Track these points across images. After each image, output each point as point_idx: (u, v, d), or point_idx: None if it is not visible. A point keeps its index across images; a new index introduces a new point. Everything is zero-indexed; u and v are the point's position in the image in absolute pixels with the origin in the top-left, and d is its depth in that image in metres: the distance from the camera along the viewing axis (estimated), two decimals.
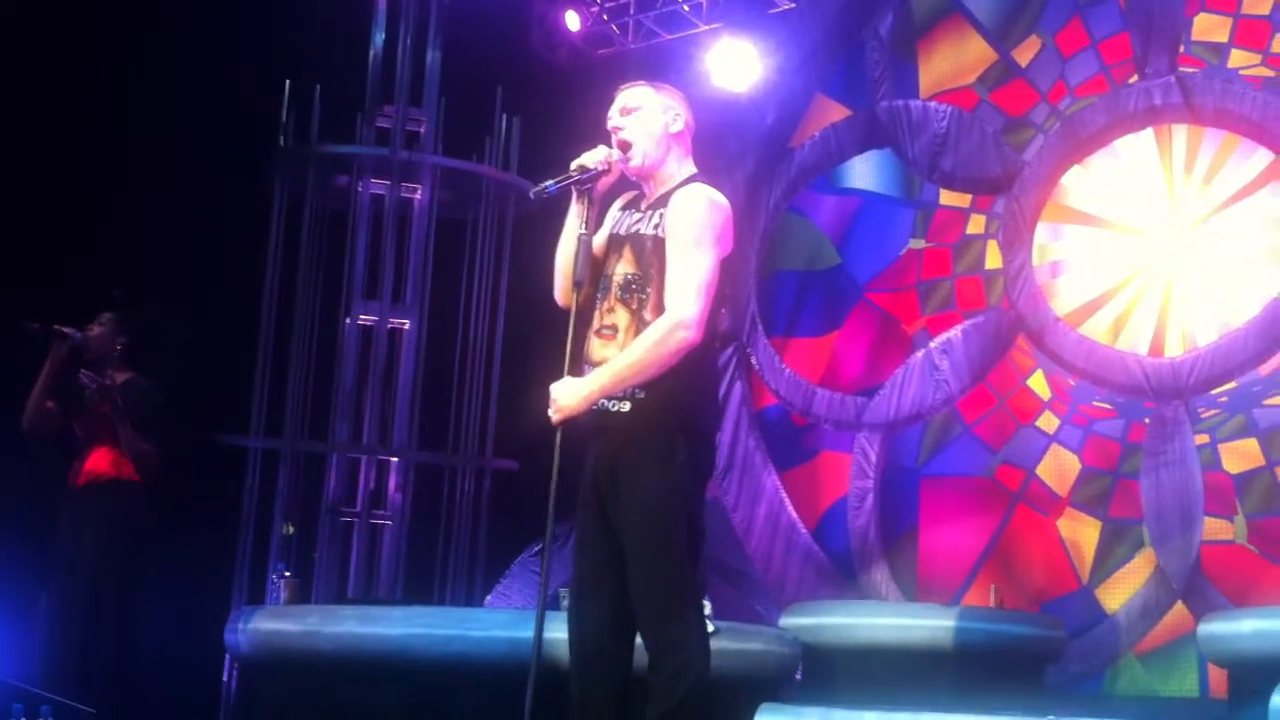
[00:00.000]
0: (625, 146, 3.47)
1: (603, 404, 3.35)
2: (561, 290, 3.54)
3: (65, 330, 5.04)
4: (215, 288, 6.63)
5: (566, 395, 3.35)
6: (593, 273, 3.46)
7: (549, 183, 3.43)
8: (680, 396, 3.36)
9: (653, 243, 3.39)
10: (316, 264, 6.74)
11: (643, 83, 3.54)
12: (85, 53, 6.59)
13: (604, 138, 3.55)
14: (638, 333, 3.36)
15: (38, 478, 5.28)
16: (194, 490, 6.22)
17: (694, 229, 3.36)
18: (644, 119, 3.47)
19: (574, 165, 3.46)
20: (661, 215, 3.41)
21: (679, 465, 3.33)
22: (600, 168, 3.45)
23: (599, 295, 3.46)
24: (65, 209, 6.37)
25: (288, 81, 6.73)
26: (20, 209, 6.25)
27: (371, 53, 6.97)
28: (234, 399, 6.60)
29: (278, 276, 6.68)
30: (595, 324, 3.45)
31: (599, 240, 3.54)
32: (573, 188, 3.45)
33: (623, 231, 3.49)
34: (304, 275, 6.69)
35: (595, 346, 3.43)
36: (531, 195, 3.49)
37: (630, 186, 3.57)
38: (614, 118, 3.49)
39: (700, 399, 3.45)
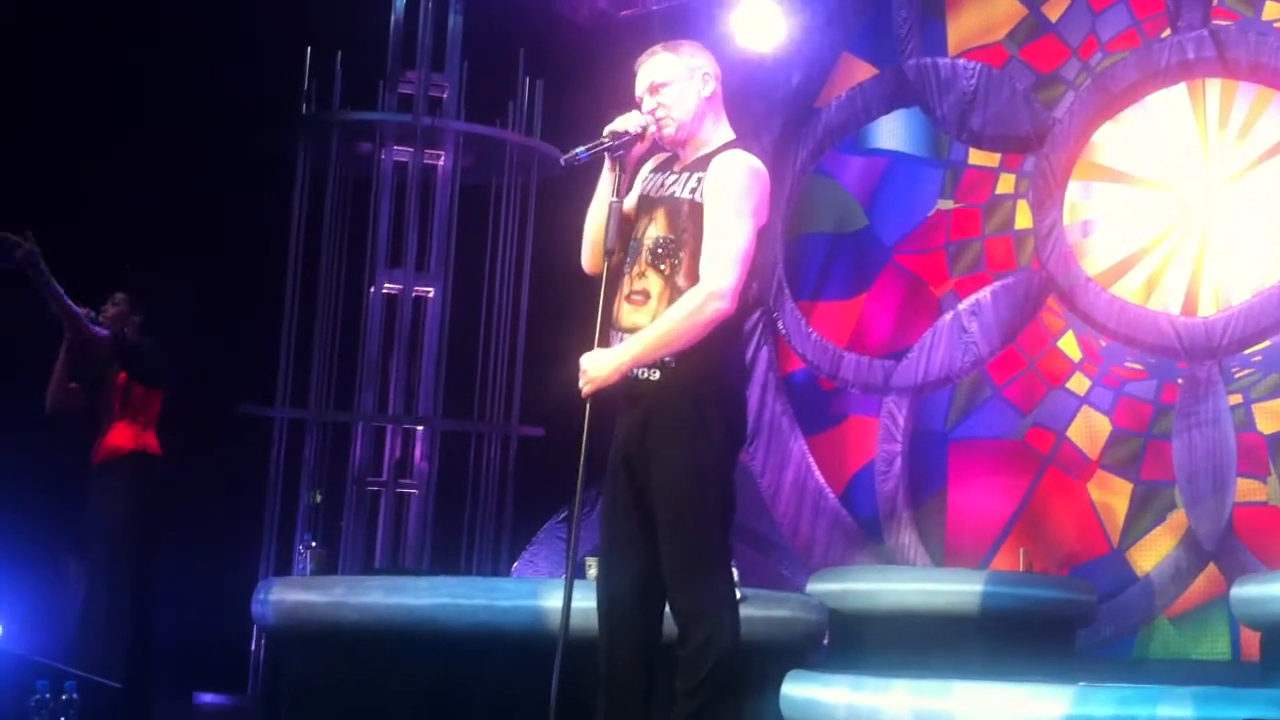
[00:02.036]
0: (661, 124, 3.39)
1: (633, 373, 3.30)
2: (590, 257, 3.48)
3: (80, 310, 5.06)
4: (238, 257, 6.63)
5: (597, 367, 3.30)
6: (623, 238, 3.40)
7: (580, 149, 3.37)
8: (711, 363, 3.32)
9: (689, 207, 3.33)
10: (340, 232, 6.73)
11: (660, 49, 3.45)
12: (103, 21, 6.57)
13: (629, 101, 3.47)
14: (670, 299, 3.30)
15: (64, 456, 5.31)
16: (220, 461, 6.25)
17: (734, 197, 3.30)
18: (675, 93, 3.38)
19: (607, 131, 3.38)
20: (699, 180, 3.34)
21: (712, 433, 3.30)
22: (634, 133, 3.38)
23: (629, 259, 3.41)
24: (83, 178, 6.37)
25: (309, 48, 6.70)
26: (42, 181, 6.26)
27: (393, 18, 6.93)
28: (259, 369, 6.61)
29: (301, 245, 6.67)
30: (625, 289, 3.40)
31: (629, 202, 3.47)
32: (605, 154, 3.39)
33: (654, 193, 3.42)
34: (328, 244, 6.68)
35: (625, 312, 3.38)
36: (563, 162, 3.43)
37: (663, 148, 3.50)
38: (646, 98, 3.41)
39: (730, 365, 3.41)
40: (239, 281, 6.63)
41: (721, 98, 3.45)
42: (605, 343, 3.35)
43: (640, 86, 3.42)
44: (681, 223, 3.32)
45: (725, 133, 3.45)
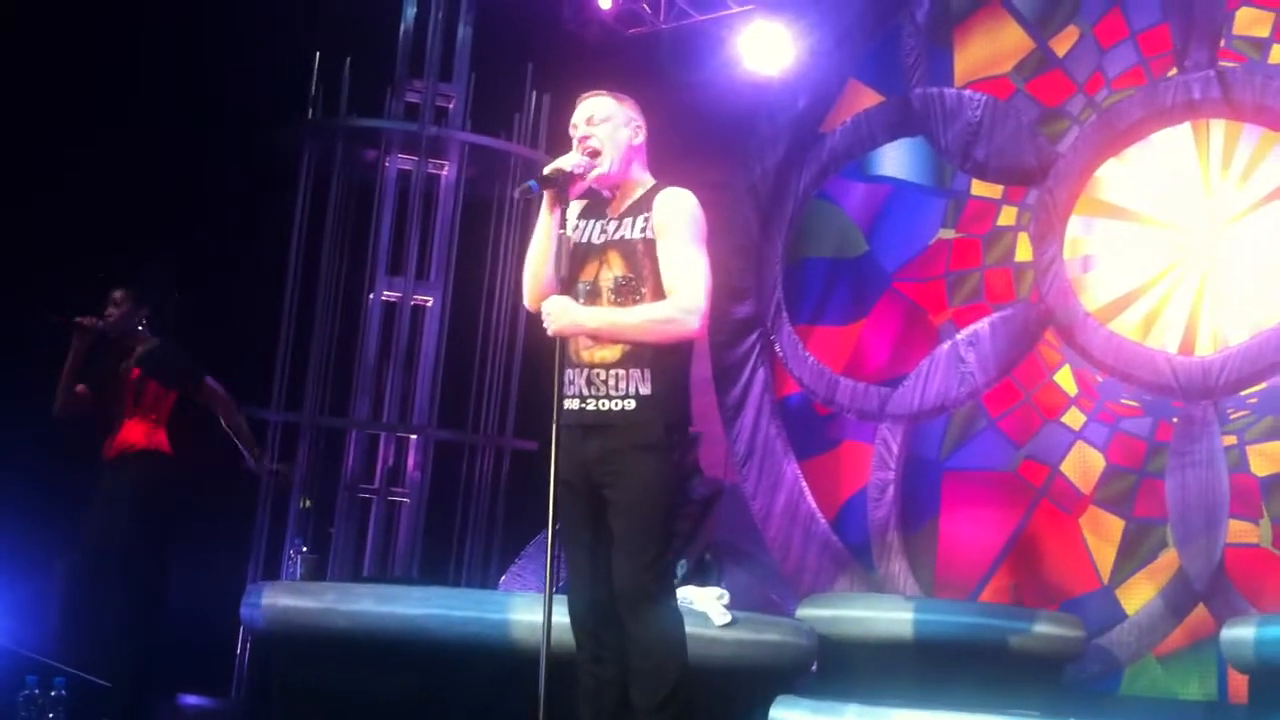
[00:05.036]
0: (594, 154, 3.56)
1: (604, 405, 3.46)
2: (533, 293, 3.60)
3: (84, 322, 5.07)
4: (240, 260, 6.62)
5: (560, 315, 3.44)
6: (570, 275, 3.53)
7: (532, 182, 3.52)
8: (681, 391, 3.53)
9: (644, 245, 3.50)
10: (341, 238, 6.72)
11: (605, 93, 3.65)
12: (112, 23, 6.57)
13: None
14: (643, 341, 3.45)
15: (59, 453, 5.28)
16: (212, 462, 6.21)
17: (689, 227, 3.51)
18: (611, 130, 3.58)
19: (549, 169, 3.54)
20: (646, 219, 3.52)
21: (674, 458, 3.49)
22: (576, 171, 3.53)
23: (583, 303, 3.52)
24: (86, 176, 6.36)
25: (317, 54, 6.70)
26: (43, 178, 6.24)
27: (402, 27, 6.94)
28: (255, 372, 6.59)
29: (302, 249, 6.66)
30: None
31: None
32: (546, 191, 3.52)
33: (598, 240, 3.57)
34: (329, 249, 6.67)
35: (593, 350, 3.50)
36: (516, 195, 3.61)
37: (583, 195, 3.65)
38: (580, 126, 3.59)
39: (688, 397, 3.59)
40: (239, 283, 6.61)
41: (646, 152, 3.65)
42: (561, 379, 3.48)
43: (579, 117, 3.61)
44: (638, 260, 3.49)
45: (650, 180, 3.64)
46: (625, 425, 3.43)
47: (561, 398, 3.47)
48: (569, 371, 3.51)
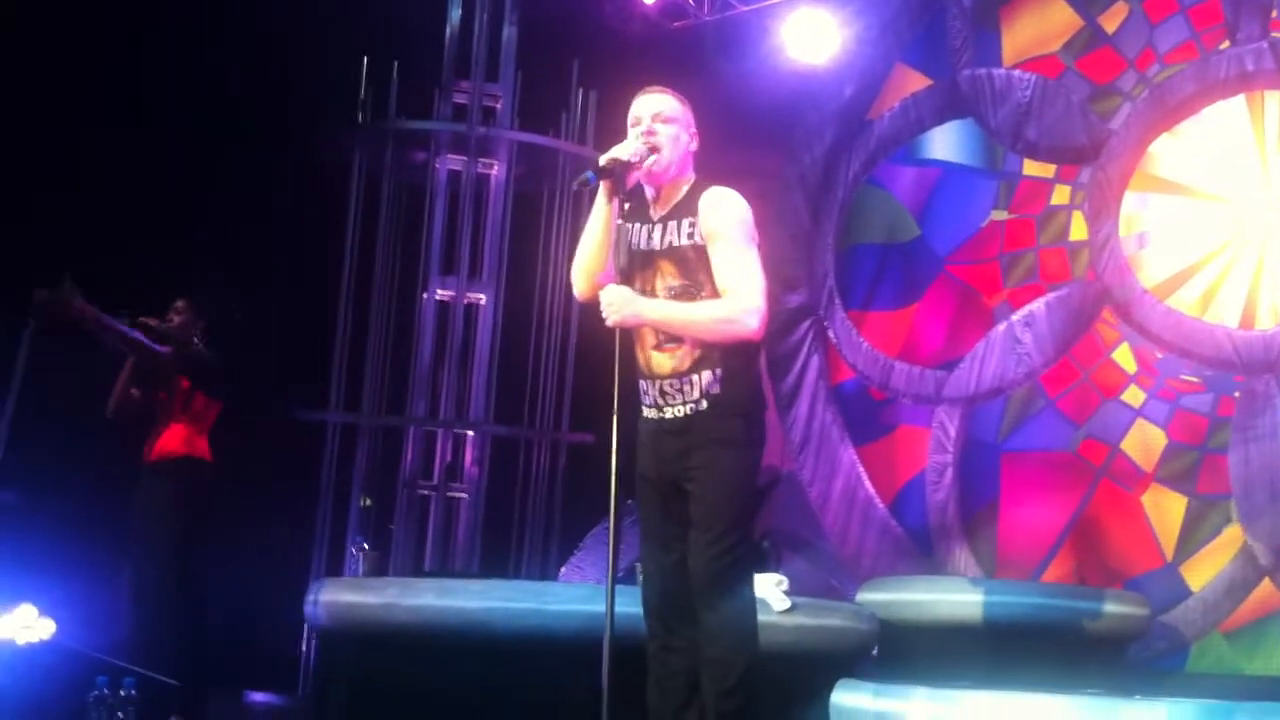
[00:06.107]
0: (655, 150, 3.53)
1: (680, 411, 3.48)
2: (587, 283, 3.60)
3: (150, 322, 5.14)
4: (294, 263, 6.70)
5: (620, 305, 3.43)
6: (624, 281, 3.53)
7: (589, 174, 3.50)
8: (752, 393, 3.55)
9: (694, 251, 3.50)
10: (394, 239, 6.78)
11: (671, 94, 3.64)
12: (162, 28, 6.67)
13: None
14: (700, 340, 3.48)
15: (119, 455, 5.37)
16: (273, 464, 6.30)
17: (741, 229, 3.50)
18: (675, 133, 3.56)
19: (605, 159, 3.52)
20: (691, 224, 3.50)
21: (756, 448, 3.52)
22: (634, 160, 3.51)
23: None
24: (144, 189, 6.45)
25: (366, 58, 6.76)
26: (94, 184, 6.35)
27: (448, 28, 6.99)
28: (313, 374, 6.67)
29: (355, 251, 6.73)
30: (649, 340, 3.54)
31: (603, 250, 3.59)
32: (606, 180, 3.50)
33: (646, 246, 3.55)
34: (382, 250, 6.74)
35: (659, 361, 3.53)
36: (575, 187, 3.60)
37: (641, 181, 3.62)
38: (645, 120, 3.56)
39: (762, 398, 3.62)
40: (294, 287, 6.69)
41: (695, 158, 3.65)
42: (622, 369, 3.44)
43: (644, 110, 3.57)
44: (692, 267, 3.49)
45: (691, 177, 3.62)
46: (703, 422, 3.47)
47: (621, 381, 3.44)
48: (641, 383, 3.55)
